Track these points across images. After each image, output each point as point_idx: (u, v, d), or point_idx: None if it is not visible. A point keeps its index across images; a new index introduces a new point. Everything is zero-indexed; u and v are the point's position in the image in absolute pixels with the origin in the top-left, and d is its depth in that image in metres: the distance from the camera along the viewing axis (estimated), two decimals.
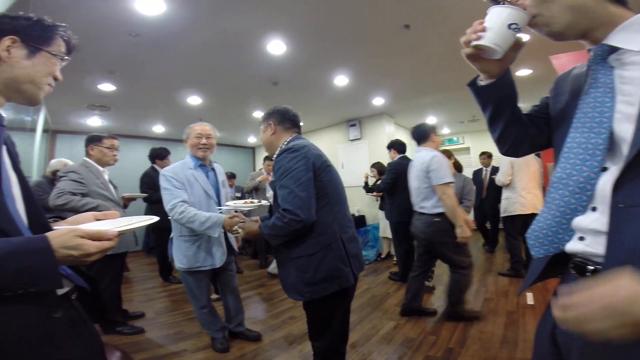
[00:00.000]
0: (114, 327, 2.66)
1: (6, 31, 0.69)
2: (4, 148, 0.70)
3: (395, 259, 4.82)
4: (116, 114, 5.56)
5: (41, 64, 0.73)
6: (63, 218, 0.90)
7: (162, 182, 2.12)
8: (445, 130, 8.46)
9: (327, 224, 1.47)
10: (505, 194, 4.15)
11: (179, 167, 2.19)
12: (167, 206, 2.07)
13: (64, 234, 0.63)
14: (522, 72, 4.30)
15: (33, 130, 4.89)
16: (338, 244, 1.47)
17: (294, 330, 2.77)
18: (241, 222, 1.86)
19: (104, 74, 3.80)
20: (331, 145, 7.04)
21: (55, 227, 0.77)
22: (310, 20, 2.93)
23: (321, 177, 1.50)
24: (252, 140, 8.61)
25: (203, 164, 2.27)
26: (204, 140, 2.21)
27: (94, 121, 5.92)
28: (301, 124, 1.79)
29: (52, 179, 3.63)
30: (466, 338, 2.45)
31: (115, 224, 0.78)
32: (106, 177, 2.65)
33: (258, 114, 6.00)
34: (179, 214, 2.03)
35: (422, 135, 2.94)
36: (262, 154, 8.83)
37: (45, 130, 5.58)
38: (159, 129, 6.95)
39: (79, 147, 6.44)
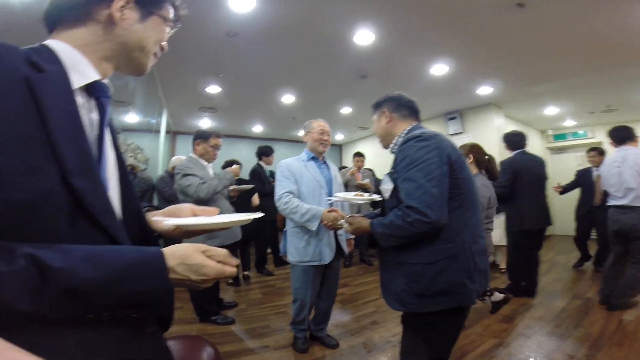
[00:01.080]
0: (209, 316, 2.84)
1: None
2: (107, 125, 0.63)
3: (501, 269, 4.21)
4: (222, 115, 6.15)
5: (152, 29, 0.67)
6: (157, 208, 0.86)
7: (276, 174, 2.26)
8: (569, 122, 7.07)
9: (456, 231, 1.22)
10: None
11: (292, 160, 2.28)
12: (275, 197, 2.17)
13: (185, 248, 0.55)
14: None
15: (157, 131, 5.75)
16: (466, 256, 1.22)
17: (375, 337, 2.58)
18: (342, 217, 1.81)
19: (211, 76, 4.19)
20: None
21: (152, 218, 0.74)
22: (402, 3, 2.68)
23: (456, 173, 1.24)
24: (339, 137, 8.62)
25: (315, 157, 2.32)
26: (325, 137, 2.28)
27: (205, 122, 6.67)
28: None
29: (172, 174, 4.16)
30: None
31: (217, 219, 0.72)
32: (210, 171, 2.80)
33: (346, 110, 5.93)
34: (283, 204, 2.10)
35: (629, 135, 3.01)
36: (349, 151, 8.75)
37: (167, 132, 6.50)
38: (258, 128, 7.47)
39: None
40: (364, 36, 3.18)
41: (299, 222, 2.07)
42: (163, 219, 0.68)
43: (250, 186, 3.79)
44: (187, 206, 0.78)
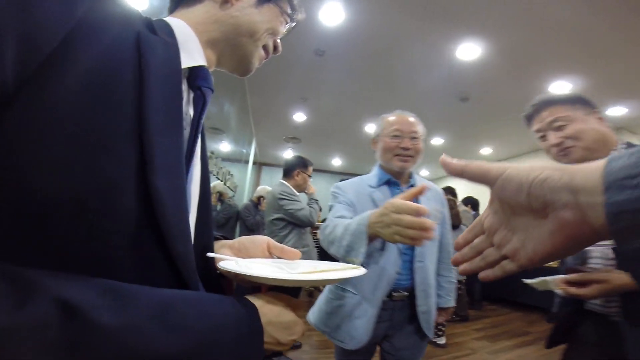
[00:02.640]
0: (271, 356, 2.59)
1: None
2: (202, 126, 0.51)
3: None
4: (305, 147, 6.21)
5: (267, 16, 0.61)
6: (228, 238, 0.67)
7: (330, 201, 1.34)
8: None
9: None
10: None
11: (355, 182, 1.36)
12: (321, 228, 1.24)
13: (276, 302, 0.43)
14: None
15: (247, 162, 6.02)
16: None
17: None
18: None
19: (298, 102, 4.21)
20: None
21: (220, 250, 0.56)
22: (520, 15, 2.30)
23: None
24: (424, 173, 8.00)
25: (394, 181, 1.31)
26: (405, 143, 1.25)
27: (288, 154, 6.83)
28: None
29: (257, 203, 4.29)
30: None
31: (297, 269, 0.50)
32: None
33: (437, 141, 5.45)
34: (324, 234, 1.15)
35: None
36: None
37: (254, 163, 6.81)
38: (337, 162, 7.40)
39: (277, 178, 7.70)
40: (469, 50, 2.83)
41: (340, 255, 1.05)
42: (223, 258, 0.48)
43: None
44: (264, 239, 0.57)
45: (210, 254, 0.47)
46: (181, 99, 0.42)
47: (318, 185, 7.62)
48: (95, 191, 0.31)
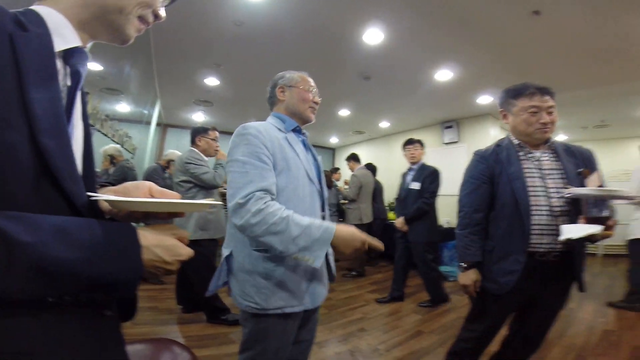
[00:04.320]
0: (218, 316, 2.69)
1: None
2: (79, 94, 0.60)
3: None
4: (218, 110, 5.98)
5: None
6: (111, 184, 0.80)
7: (235, 150, 1.13)
8: (561, 137, 7.20)
9: None
10: (636, 213, 3.49)
11: (265, 125, 1.21)
12: (233, 196, 1.05)
13: (158, 228, 0.56)
14: None
15: (149, 123, 5.55)
16: None
17: (362, 345, 2.52)
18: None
19: (211, 67, 4.04)
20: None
21: (100, 194, 0.62)
22: (416, 4, 2.62)
23: None
24: (334, 140, 8.54)
25: (299, 129, 1.33)
26: (316, 99, 1.35)
27: (198, 116, 6.49)
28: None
29: (165, 166, 4.12)
30: None
31: (158, 200, 0.63)
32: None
33: (344, 113, 5.85)
34: (253, 213, 1.01)
35: None
36: (341, 155, 8.68)
37: (158, 124, 6.30)
38: None
39: (185, 140, 7.25)
40: (373, 35, 3.11)
41: (286, 251, 1.02)
42: (104, 197, 0.57)
43: None
44: (146, 184, 0.67)
45: (91, 194, 0.55)
46: (56, 77, 0.52)
47: None
48: (5, 150, 0.42)
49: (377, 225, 5.00)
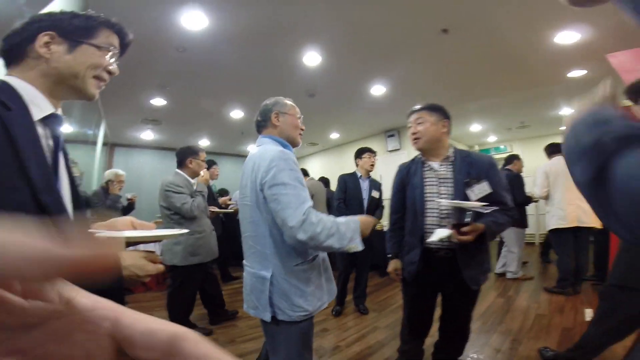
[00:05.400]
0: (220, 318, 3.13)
1: (44, 28, 0.69)
2: (62, 153, 0.74)
3: None
4: (166, 128, 5.96)
5: (83, 56, 0.72)
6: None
7: (282, 174, 1.21)
8: (491, 138, 8.04)
9: None
10: (546, 207, 3.93)
11: (286, 152, 1.29)
12: (293, 215, 1.15)
13: (134, 253, 0.74)
14: (575, 74, 3.97)
15: (94, 143, 5.39)
16: None
17: (325, 343, 2.71)
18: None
19: (156, 89, 4.11)
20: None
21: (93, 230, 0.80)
22: (346, 31, 2.96)
23: None
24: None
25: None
26: (303, 126, 1.52)
27: (147, 135, 6.40)
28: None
29: (106, 188, 3.94)
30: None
31: (149, 232, 0.81)
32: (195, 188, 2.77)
33: None
34: (314, 225, 1.15)
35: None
36: (299, 165, 8.94)
37: (104, 144, 6.11)
38: (204, 142, 7.33)
39: (134, 159, 7.16)
40: (312, 58, 3.41)
41: (340, 247, 1.21)
42: (101, 232, 0.74)
43: (230, 211, 4.00)
44: (127, 219, 0.83)
45: (89, 230, 0.69)
46: (40, 145, 0.63)
47: None
48: (19, 208, 0.56)
49: None
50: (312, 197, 4.44)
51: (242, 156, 8.35)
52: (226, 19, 2.70)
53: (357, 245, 1.25)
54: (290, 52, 3.30)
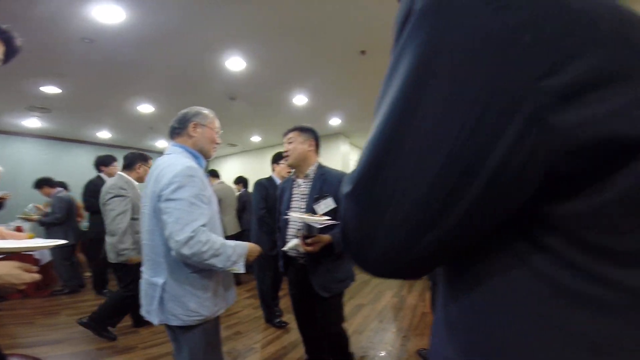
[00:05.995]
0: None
1: None
2: None
3: None
4: (57, 117, 5.20)
5: None
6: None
7: (182, 190, 1.24)
8: None
9: None
10: None
11: (194, 163, 1.35)
12: (182, 230, 1.20)
13: (9, 263, 0.76)
14: None
15: None
16: None
17: (238, 346, 2.73)
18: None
19: (51, 76, 3.59)
20: None
21: None
22: (272, 41, 3.04)
23: None
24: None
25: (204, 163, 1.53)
26: (218, 140, 1.54)
27: (32, 122, 5.49)
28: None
29: None
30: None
31: (20, 243, 0.86)
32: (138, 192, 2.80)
33: None
34: (201, 244, 1.21)
35: None
36: (215, 165, 8.65)
37: None
38: (104, 134, 6.58)
39: (12, 148, 6.04)
40: (236, 62, 3.39)
41: (221, 267, 1.30)
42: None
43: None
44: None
45: None
46: None
47: (81, 158, 6.56)
48: None
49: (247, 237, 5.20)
50: (220, 201, 4.45)
51: (149, 151, 7.69)
52: (147, 16, 2.55)
53: (240, 268, 1.35)
54: (213, 55, 3.24)
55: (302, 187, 1.82)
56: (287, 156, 1.80)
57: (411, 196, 0.27)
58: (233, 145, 7.64)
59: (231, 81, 3.82)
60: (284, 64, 3.48)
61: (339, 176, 1.77)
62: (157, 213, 1.26)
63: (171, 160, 1.32)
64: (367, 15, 2.62)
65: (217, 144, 1.51)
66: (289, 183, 1.90)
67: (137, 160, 2.81)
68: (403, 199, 0.28)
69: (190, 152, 1.40)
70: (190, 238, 1.19)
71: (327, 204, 1.66)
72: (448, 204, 0.26)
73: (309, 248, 1.56)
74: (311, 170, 1.80)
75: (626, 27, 0.27)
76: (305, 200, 1.76)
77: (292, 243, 1.64)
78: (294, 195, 1.83)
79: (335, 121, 5.70)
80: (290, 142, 1.81)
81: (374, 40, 3.07)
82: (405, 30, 0.30)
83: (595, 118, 0.24)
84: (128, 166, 2.80)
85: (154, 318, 1.29)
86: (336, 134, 6.52)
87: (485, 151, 0.25)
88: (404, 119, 0.28)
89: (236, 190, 5.77)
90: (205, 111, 1.49)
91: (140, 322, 3.06)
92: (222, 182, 4.97)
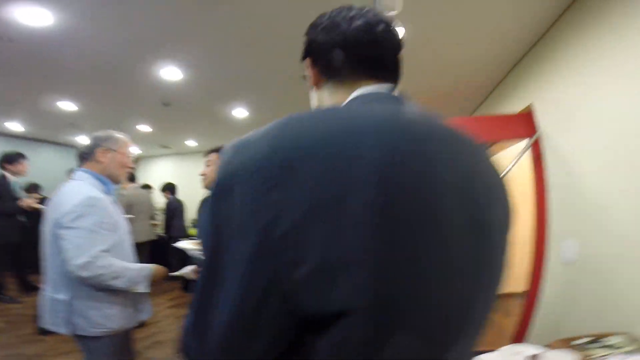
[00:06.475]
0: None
1: None
2: None
3: None
4: None
5: None
6: None
7: (83, 219, 1.28)
8: None
9: None
10: None
11: (98, 191, 1.40)
12: (82, 255, 1.24)
13: None
14: None
15: None
16: None
17: (157, 354, 2.73)
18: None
19: None
20: None
21: None
22: (210, 56, 3.01)
23: None
24: (135, 151, 7.86)
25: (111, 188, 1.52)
26: (131, 163, 1.56)
27: None
28: None
29: None
30: None
31: None
32: None
33: (144, 129, 5.60)
34: (99, 268, 1.26)
35: None
36: (146, 165, 8.14)
37: None
38: (15, 126, 5.81)
39: None
40: (172, 72, 3.27)
41: (124, 288, 1.35)
42: None
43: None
44: None
45: None
46: None
47: None
48: None
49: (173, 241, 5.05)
50: (131, 207, 4.22)
51: (67, 145, 6.99)
52: (76, 20, 2.35)
53: (142, 289, 1.42)
54: (147, 63, 3.09)
55: None
56: (203, 177, 1.79)
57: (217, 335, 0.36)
58: (166, 147, 7.25)
59: (166, 88, 3.66)
60: (224, 78, 3.46)
61: None
62: (56, 238, 1.29)
63: (74, 188, 1.36)
64: None
65: (130, 167, 1.55)
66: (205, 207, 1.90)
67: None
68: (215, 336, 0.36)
69: (98, 178, 1.42)
70: (89, 263, 1.24)
71: None
72: (244, 343, 0.35)
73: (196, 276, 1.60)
74: None
75: (397, 166, 0.34)
76: None
77: (182, 271, 1.69)
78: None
79: None
80: (209, 165, 1.80)
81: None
82: (213, 197, 0.37)
83: (311, 298, 0.32)
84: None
85: (60, 329, 1.33)
86: None
87: (255, 314, 0.33)
88: (209, 277, 0.37)
89: (164, 197, 5.56)
90: (117, 135, 1.49)
91: (45, 331, 2.91)
92: (137, 187, 4.70)
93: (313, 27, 0.55)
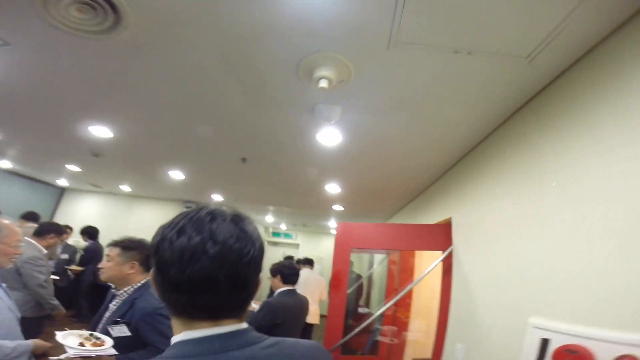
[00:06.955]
0: None
1: None
2: None
3: None
4: None
5: None
6: None
7: None
8: (283, 227, 9.20)
9: None
10: None
11: None
12: None
13: None
14: (336, 207, 5.16)
15: None
16: None
17: None
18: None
19: None
20: (163, 216, 6.46)
21: None
22: (146, 120, 2.87)
23: None
24: (63, 183, 6.96)
25: None
26: (19, 250, 1.70)
27: None
28: None
29: None
30: None
31: None
32: None
33: (73, 168, 5.04)
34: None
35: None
36: (71, 197, 7.30)
37: None
38: None
39: None
40: (102, 131, 3.04)
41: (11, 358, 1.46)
42: None
43: None
44: None
45: None
46: None
47: None
48: None
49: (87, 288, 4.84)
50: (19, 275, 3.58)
51: None
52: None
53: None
54: (75, 118, 2.83)
55: (116, 301, 1.68)
56: (101, 271, 1.67)
57: None
58: (96, 186, 6.57)
59: (95, 142, 3.36)
60: (157, 142, 3.24)
61: (146, 308, 1.56)
62: None
63: None
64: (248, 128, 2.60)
65: (17, 254, 1.65)
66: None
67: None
68: None
69: None
70: None
71: (122, 330, 1.54)
72: None
73: None
74: (128, 289, 1.66)
75: None
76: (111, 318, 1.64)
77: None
78: (111, 307, 1.67)
79: (216, 197, 5.53)
80: (109, 261, 1.64)
81: (255, 151, 3.12)
82: None
83: None
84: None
85: None
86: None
87: None
88: None
89: (82, 241, 5.18)
90: (4, 222, 1.57)
91: None
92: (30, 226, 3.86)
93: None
